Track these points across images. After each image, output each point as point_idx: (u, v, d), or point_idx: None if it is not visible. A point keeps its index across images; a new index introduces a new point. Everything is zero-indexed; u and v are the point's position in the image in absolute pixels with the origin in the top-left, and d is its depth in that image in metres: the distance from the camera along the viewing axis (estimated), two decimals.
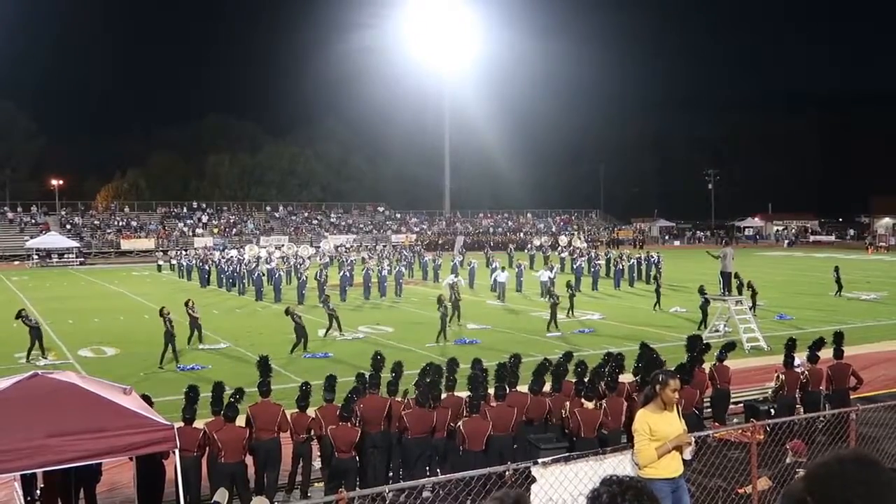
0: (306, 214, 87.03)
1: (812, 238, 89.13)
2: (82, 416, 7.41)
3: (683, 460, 6.84)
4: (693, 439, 6.89)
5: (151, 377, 18.56)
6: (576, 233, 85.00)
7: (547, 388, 11.85)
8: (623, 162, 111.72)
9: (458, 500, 9.44)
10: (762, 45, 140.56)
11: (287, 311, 22.26)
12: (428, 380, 11.52)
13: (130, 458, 9.32)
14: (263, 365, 11.89)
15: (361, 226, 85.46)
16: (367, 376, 11.48)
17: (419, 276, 45.48)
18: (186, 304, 22.63)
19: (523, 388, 11.85)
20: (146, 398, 10.16)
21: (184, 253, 55.53)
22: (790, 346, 13.52)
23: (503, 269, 35.01)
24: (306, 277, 35.09)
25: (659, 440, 6.65)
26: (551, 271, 34.01)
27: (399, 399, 11.42)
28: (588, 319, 27.56)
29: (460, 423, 10.41)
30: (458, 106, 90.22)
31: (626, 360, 12.80)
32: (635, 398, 11.44)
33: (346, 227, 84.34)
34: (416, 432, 10.49)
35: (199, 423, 10.25)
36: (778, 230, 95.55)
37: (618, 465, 6.59)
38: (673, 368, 12.27)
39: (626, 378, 12.57)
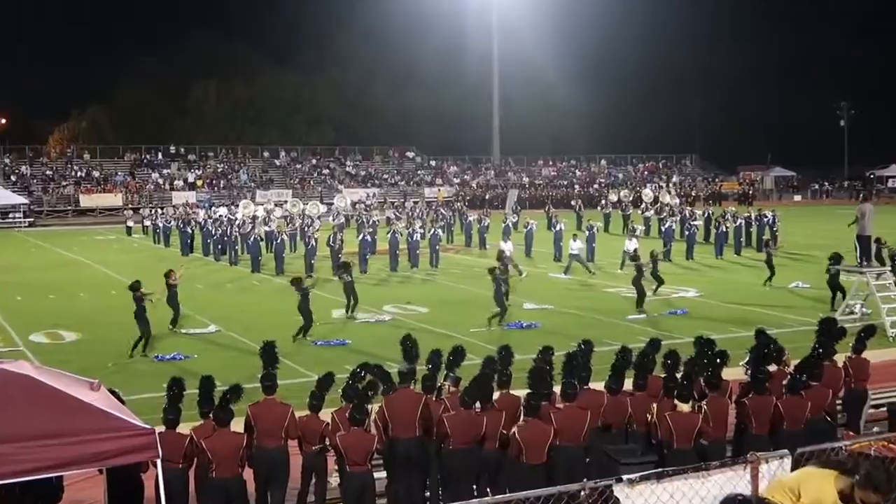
0: (315, 162, 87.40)
1: None
2: (40, 417, 7.51)
3: None
4: None
5: (123, 369, 18.85)
6: (665, 185, 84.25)
7: (628, 385, 11.84)
8: (728, 94, 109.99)
9: None
10: None
11: (293, 283, 22.35)
12: (455, 370, 11.55)
13: (100, 471, 9.49)
14: (268, 353, 11.97)
15: (386, 176, 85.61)
16: (373, 366, 11.52)
17: (460, 242, 45.43)
18: (167, 275, 22.81)
19: (597, 385, 11.85)
20: (114, 394, 10.31)
21: (160, 212, 56.05)
22: None
23: (575, 236, 34.53)
24: (316, 243, 35.27)
25: None
26: (635, 237, 33.80)
27: (437, 398, 11.48)
28: (681, 297, 27.44)
29: (515, 428, 10.44)
30: (509, 21, 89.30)
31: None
32: (746, 401, 11.40)
33: (367, 177, 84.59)
34: (459, 441, 10.54)
35: (184, 428, 10.39)
36: None
37: (726, 483, 6.57)
38: (797, 362, 12.21)
39: (733, 373, 12.48)
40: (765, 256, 30.30)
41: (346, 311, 24.66)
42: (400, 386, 11.28)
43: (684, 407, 10.80)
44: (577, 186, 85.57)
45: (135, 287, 20.77)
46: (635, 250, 32.51)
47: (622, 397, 11.52)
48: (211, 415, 10.44)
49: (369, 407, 10.62)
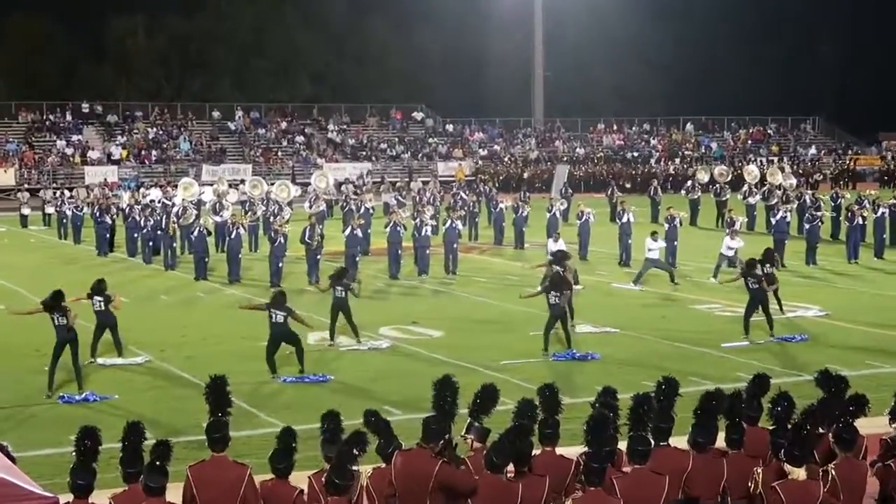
0: (284, 126, 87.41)
1: None
2: None
3: None
4: None
5: (15, 415, 18.89)
6: (776, 160, 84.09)
7: (721, 441, 11.80)
8: (866, 32, 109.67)
9: None
10: None
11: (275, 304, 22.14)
12: (481, 419, 11.54)
13: None
14: (217, 393, 11.96)
15: (384, 146, 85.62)
16: (368, 413, 11.52)
17: (488, 238, 45.59)
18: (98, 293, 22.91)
19: (681, 441, 11.82)
20: (1, 450, 10.33)
21: (67, 195, 56.23)
22: None
23: (655, 234, 33.71)
24: (285, 239, 35.25)
25: None
26: (734, 232, 33.45)
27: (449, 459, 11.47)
28: (798, 317, 27.34)
29: (569, 501, 10.43)
30: None
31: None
32: (892, 465, 11.32)
33: (357, 148, 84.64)
34: None
35: (100, 496, 10.41)
36: None
37: None
38: None
39: (871, 423, 12.45)
40: None
41: (331, 338, 24.60)
42: (419, 445, 11.18)
43: (799, 472, 10.71)
44: (652, 161, 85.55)
45: (53, 303, 20.59)
46: (737, 251, 32.32)
47: (714, 457, 11.47)
48: (138, 478, 10.44)
49: (356, 469, 10.58)
